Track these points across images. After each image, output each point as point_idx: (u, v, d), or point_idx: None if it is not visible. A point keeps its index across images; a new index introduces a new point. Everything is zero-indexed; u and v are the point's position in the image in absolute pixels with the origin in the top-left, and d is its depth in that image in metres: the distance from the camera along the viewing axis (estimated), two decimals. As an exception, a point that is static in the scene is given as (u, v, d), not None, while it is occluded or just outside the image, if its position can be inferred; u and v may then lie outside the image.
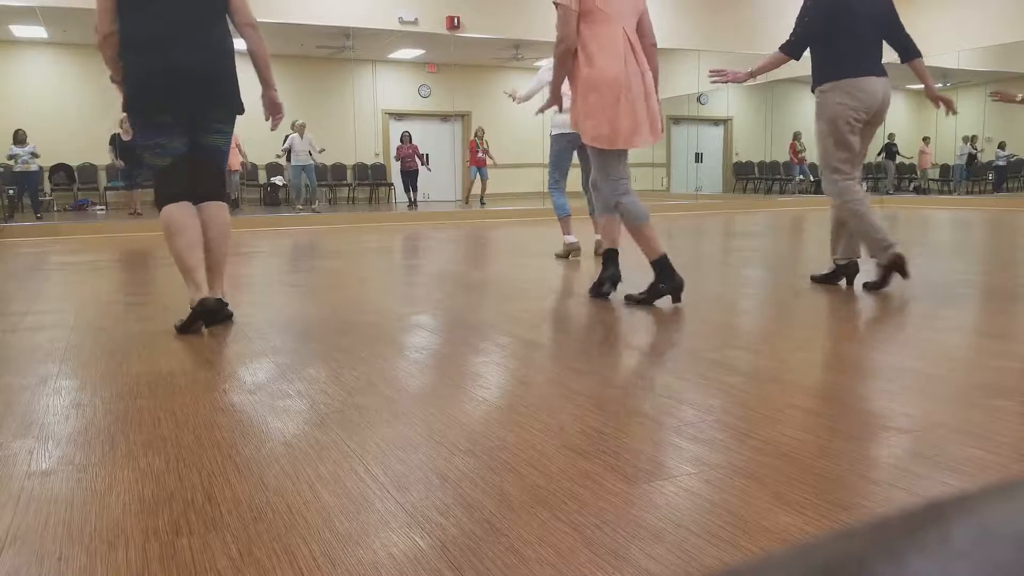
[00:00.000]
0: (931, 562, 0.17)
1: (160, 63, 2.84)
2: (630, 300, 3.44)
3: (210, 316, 2.92)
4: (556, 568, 1.13)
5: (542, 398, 2.00)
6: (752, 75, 3.92)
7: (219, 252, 3.05)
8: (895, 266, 3.64)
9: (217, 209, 3.04)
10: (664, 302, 3.44)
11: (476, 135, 12.97)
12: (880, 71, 3.81)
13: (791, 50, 3.85)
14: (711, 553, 1.18)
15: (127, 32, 2.86)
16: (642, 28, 3.44)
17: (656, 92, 3.46)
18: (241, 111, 3.06)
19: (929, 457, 1.54)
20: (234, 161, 11.81)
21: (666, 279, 3.37)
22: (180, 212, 2.94)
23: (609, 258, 3.61)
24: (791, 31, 3.84)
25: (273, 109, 3.15)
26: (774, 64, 3.86)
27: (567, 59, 3.34)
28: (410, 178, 12.80)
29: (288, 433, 1.77)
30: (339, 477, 1.50)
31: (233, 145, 11.83)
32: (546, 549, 1.19)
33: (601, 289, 3.60)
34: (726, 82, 3.94)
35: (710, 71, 4.00)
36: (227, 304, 3.05)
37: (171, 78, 2.85)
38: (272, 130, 3.23)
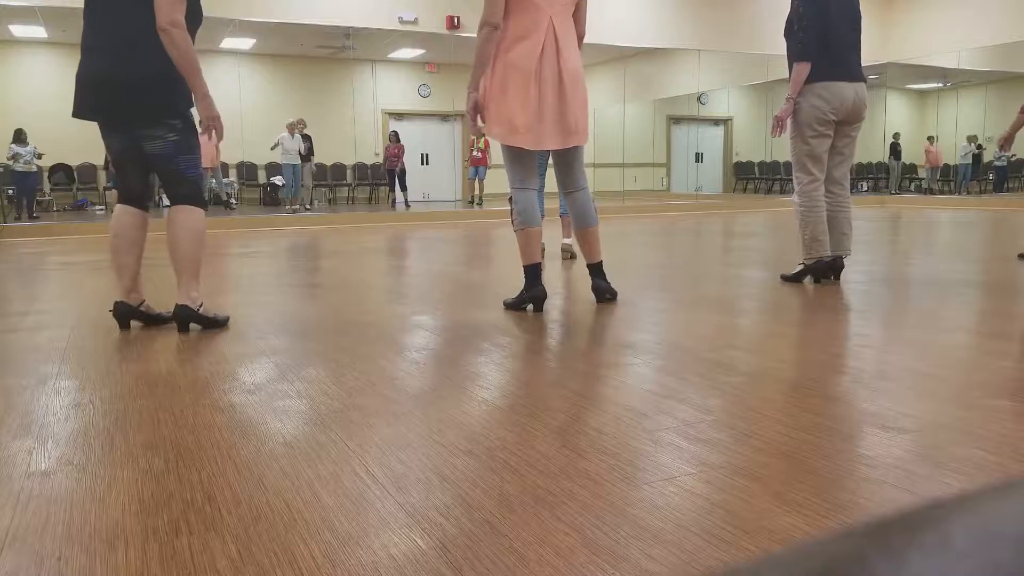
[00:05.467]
0: (931, 562, 0.17)
1: (82, 69, 2.90)
2: (506, 306, 3.36)
3: (123, 319, 3.06)
4: (556, 568, 1.13)
5: (542, 398, 2.00)
6: (793, 99, 3.96)
7: (181, 255, 2.96)
8: (813, 271, 4.01)
9: (174, 213, 2.98)
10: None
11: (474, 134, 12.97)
12: (852, 76, 3.92)
13: (808, 55, 3.90)
14: (711, 553, 1.17)
15: (83, 32, 2.97)
16: (575, 16, 3.30)
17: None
18: (168, 114, 2.89)
19: (929, 457, 1.54)
20: (210, 158, 11.80)
21: (530, 287, 3.30)
22: (118, 215, 3.07)
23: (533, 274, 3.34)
24: (796, 41, 3.90)
25: (207, 121, 2.94)
26: (802, 76, 3.91)
27: (492, 42, 3.15)
28: (395, 177, 12.81)
29: (288, 433, 1.77)
30: (339, 477, 1.49)
31: (212, 143, 11.84)
32: (546, 549, 1.19)
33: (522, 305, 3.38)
34: (784, 127, 4.00)
35: (773, 135, 4.10)
36: (195, 310, 2.96)
37: (87, 85, 2.89)
38: (209, 140, 3.03)
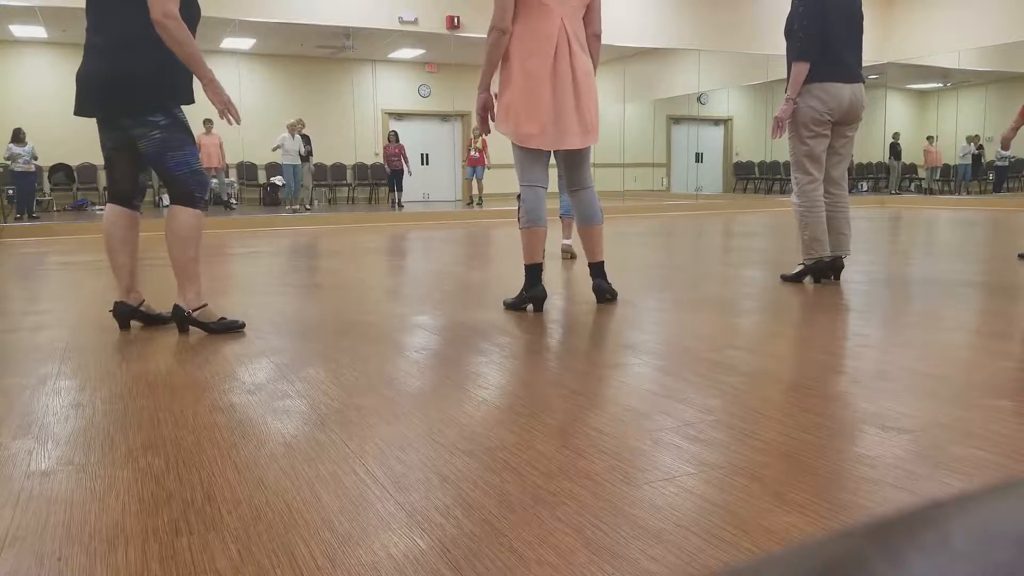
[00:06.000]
0: (931, 562, 0.17)
1: (80, 67, 2.93)
2: (506, 306, 3.38)
3: (123, 319, 3.08)
4: (556, 568, 1.13)
5: (542, 398, 2.00)
6: (792, 100, 3.94)
7: (172, 257, 2.96)
8: (813, 271, 4.01)
9: (167, 214, 2.99)
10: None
11: (472, 133, 12.99)
12: (850, 77, 3.92)
13: (808, 54, 3.88)
14: (711, 553, 1.17)
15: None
16: (588, 17, 3.33)
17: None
18: (152, 111, 2.87)
19: (929, 457, 1.54)
20: (215, 158, 11.88)
21: (530, 287, 3.31)
22: (107, 214, 3.09)
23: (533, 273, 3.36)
24: (795, 40, 3.89)
25: (218, 106, 2.92)
26: (802, 76, 3.90)
27: (500, 46, 3.19)
28: (394, 178, 12.81)
29: (288, 433, 1.77)
30: (339, 477, 1.49)
31: (215, 143, 11.93)
32: (546, 549, 1.19)
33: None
34: (784, 128, 3.98)
35: (773, 137, 4.06)
36: (188, 313, 2.94)
37: (83, 83, 2.92)
38: (230, 124, 3.05)
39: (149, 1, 2.75)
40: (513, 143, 3.30)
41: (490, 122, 3.37)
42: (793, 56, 3.91)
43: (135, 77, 2.84)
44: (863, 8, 4.07)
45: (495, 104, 3.34)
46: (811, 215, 3.97)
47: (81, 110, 2.95)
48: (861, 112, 4.00)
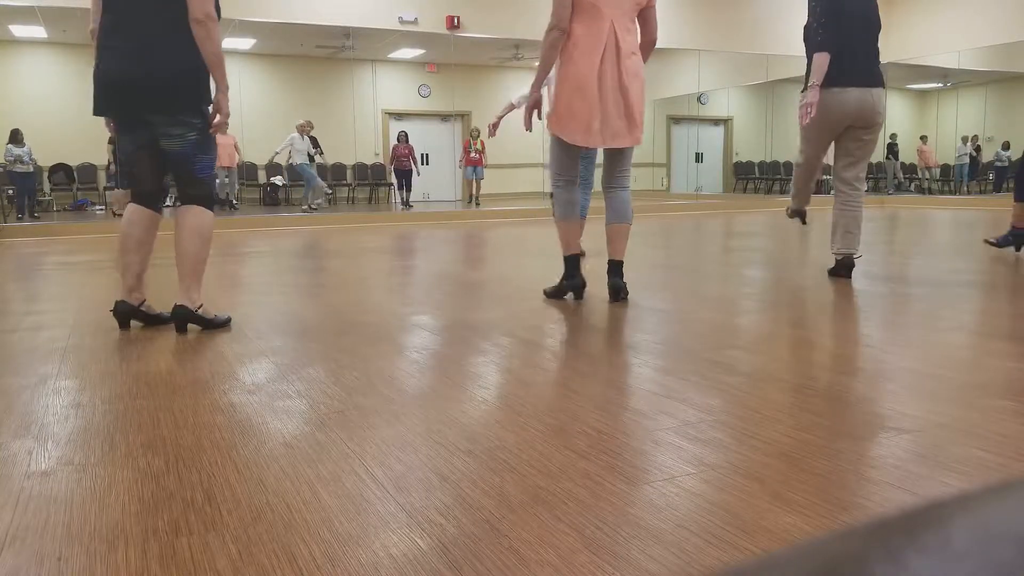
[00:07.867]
0: (931, 562, 0.17)
1: (102, 67, 2.90)
2: (546, 294, 3.60)
3: (123, 318, 3.06)
4: (556, 568, 1.13)
5: (542, 398, 2.00)
6: (817, 85, 3.93)
7: (187, 255, 2.97)
8: (797, 214, 4.64)
9: (183, 213, 2.99)
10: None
11: (471, 135, 13.01)
12: (859, 81, 3.92)
13: (828, 46, 3.89)
14: (711, 553, 1.17)
15: (99, 30, 2.96)
16: (645, 25, 3.42)
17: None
18: (191, 112, 2.89)
19: (929, 457, 1.54)
20: (226, 158, 11.90)
21: (568, 277, 3.49)
22: (128, 214, 3.09)
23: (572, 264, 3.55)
24: (814, 35, 3.89)
25: (223, 116, 2.94)
26: (824, 63, 3.89)
27: (557, 46, 3.28)
28: (403, 178, 12.83)
29: (288, 433, 1.77)
30: (339, 477, 1.49)
31: (230, 143, 11.94)
32: (546, 549, 1.19)
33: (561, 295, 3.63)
34: (813, 112, 3.96)
35: (802, 123, 4.05)
36: (193, 311, 2.95)
37: (105, 82, 2.90)
38: (210, 131, 3.01)
39: (190, 1, 2.76)
40: (555, 140, 3.40)
41: (535, 120, 3.47)
42: (813, 49, 3.93)
43: (177, 78, 2.85)
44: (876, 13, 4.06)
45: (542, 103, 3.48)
46: (800, 169, 4.35)
47: (104, 110, 2.92)
48: (876, 116, 3.98)
